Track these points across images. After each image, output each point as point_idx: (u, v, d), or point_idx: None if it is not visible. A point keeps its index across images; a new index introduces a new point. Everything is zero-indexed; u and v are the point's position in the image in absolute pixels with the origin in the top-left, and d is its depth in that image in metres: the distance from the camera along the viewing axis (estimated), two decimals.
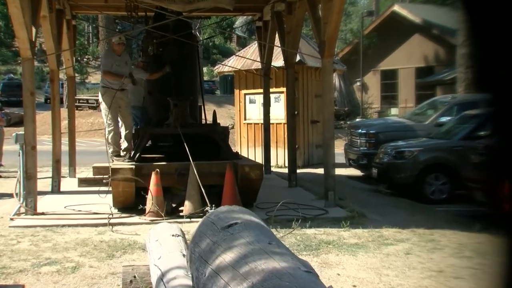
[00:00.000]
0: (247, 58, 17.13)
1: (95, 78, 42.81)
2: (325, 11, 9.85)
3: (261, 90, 15.32)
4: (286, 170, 13.32)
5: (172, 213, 9.14)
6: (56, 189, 11.81)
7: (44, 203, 10.22)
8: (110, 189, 9.33)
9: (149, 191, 8.90)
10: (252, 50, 17.99)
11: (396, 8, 33.50)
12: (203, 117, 12.67)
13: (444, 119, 13.48)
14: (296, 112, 13.78)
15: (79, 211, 9.56)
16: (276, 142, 16.48)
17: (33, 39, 9.36)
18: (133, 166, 9.22)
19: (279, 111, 16.34)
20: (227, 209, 3.95)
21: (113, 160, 10.07)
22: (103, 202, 9.49)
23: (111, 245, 7.36)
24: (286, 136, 14.24)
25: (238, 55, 19.24)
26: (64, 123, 16.08)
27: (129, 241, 7.57)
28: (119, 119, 10.68)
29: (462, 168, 10.70)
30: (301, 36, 13.97)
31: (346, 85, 35.43)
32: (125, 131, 10.71)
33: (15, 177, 11.00)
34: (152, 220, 8.62)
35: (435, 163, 11.57)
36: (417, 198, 11.21)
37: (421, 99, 24.60)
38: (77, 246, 7.34)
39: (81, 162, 15.18)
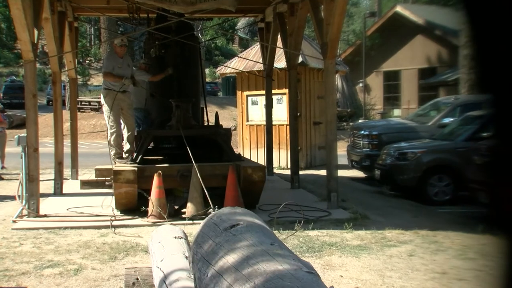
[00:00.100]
0: (249, 59, 17.14)
1: (97, 80, 42.86)
2: (327, 12, 9.84)
3: (263, 92, 15.32)
4: (288, 172, 13.30)
5: (175, 215, 9.14)
6: (58, 191, 11.81)
7: (46, 205, 10.22)
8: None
9: (151, 193, 8.90)
10: (254, 52, 18.00)
11: (399, 9, 33.49)
12: (205, 118, 12.67)
13: (447, 120, 13.46)
14: (298, 114, 13.78)
15: (81, 213, 9.56)
16: (279, 143, 16.47)
17: (35, 41, 9.36)
18: (136, 168, 9.22)
19: (281, 113, 16.34)
20: (230, 210, 3.94)
21: (115, 162, 10.07)
22: (105, 204, 9.49)
23: (113, 247, 7.36)
24: (288, 137, 14.22)
25: (240, 57, 19.25)
26: (66, 125, 16.12)
27: (132, 243, 7.56)
28: (121, 121, 10.68)
29: (466, 170, 10.68)
30: (303, 37, 13.96)
31: (348, 86, 35.42)
32: (128, 133, 10.71)
33: (17, 179, 11.01)
34: (154, 222, 8.62)
35: (438, 164, 11.54)
36: (420, 200, 11.19)
37: (424, 100, 24.57)
38: (80, 248, 7.33)
39: (83, 164, 15.20)
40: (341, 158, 12.02)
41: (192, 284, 3.70)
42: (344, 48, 42.23)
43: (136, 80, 11.03)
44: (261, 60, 15.40)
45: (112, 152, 10.50)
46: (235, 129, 22.13)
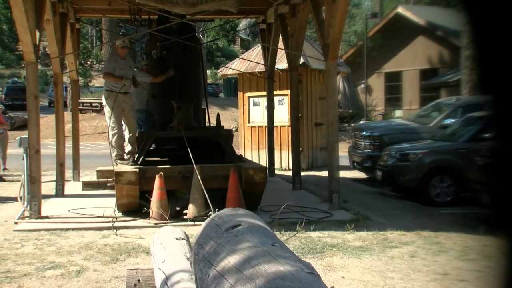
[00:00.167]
0: (250, 60, 17.14)
1: (98, 81, 42.90)
2: (328, 13, 9.83)
3: (265, 93, 15.32)
4: (290, 173, 13.30)
5: (176, 216, 9.13)
6: (60, 193, 11.81)
7: (48, 206, 10.23)
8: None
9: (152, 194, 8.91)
10: (255, 53, 17.99)
11: (400, 10, 33.48)
12: (207, 120, 12.67)
13: (448, 121, 13.45)
14: (300, 115, 13.78)
15: (83, 214, 9.56)
16: (280, 144, 16.47)
17: (37, 43, 9.37)
18: (137, 170, 9.22)
19: (283, 114, 16.35)
20: (231, 211, 3.94)
21: (117, 164, 10.08)
22: (107, 206, 9.49)
23: (115, 249, 7.36)
24: (290, 138, 14.22)
25: (241, 58, 19.25)
26: (68, 127, 16.15)
27: (133, 245, 7.56)
28: (123, 122, 10.69)
29: (467, 171, 10.67)
30: (305, 38, 13.96)
31: (350, 87, 35.42)
32: (129, 134, 10.72)
33: (19, 181, 11.03)
34: (156, 224, 8.62)
35: (439, 165, 11.53)
36: (422, 201, 11.18)
37: (425, 101, 24.58)
38: (81, 250, 7.33)
39: (85, 166, 15.21)
40: (342, 159, 12.03)
41: (194, 286, 3.70)
42: (345, 49, 42.22)
43: (137, 80, 11.04)
44: (262, 61, 15.41)
45: (114, 154, 10.50)
46: (236, 130, 22.13)
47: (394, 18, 33.25)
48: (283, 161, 16.56)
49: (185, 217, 9.05)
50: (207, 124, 12.69)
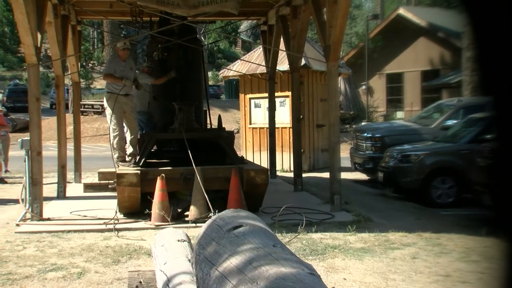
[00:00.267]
0: (252, 62, 17.15)
1: (100, 83, 42.92)
2: (330, 14, 9.84)
3: (266, 95, 15.32)
4: (291, 175, 13.29)
5: (178, 218, 9.13)
6: (61, 195, 11.81)
7: (50, 208, 10.24)
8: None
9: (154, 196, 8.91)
10: (257, 55, 18.00)
11: (401, 11, 33.48)
12: (208, 121, 12.68)
13: (450, 122, 13.44)
14: (301, 116, 13.78)
15: (84, 216, 9.56)
16: (282, 146, 16.48)
17: (39, 45, 9.38)
18: (139, 171, 9.22)
19: (284, 115, 16.35)
20: (233, 213, 3.95)
21: (118, 165, 10.08)
22: (108, 207, 9.49)
23: (116, 251, 7.36)
24: (291, 140, 14.22)
25: (243, 60, 19.27)
26: (70, 129, 16.17)
27: (135, 247, 7.56)
28: (124, 124, 10.69)
29: (469, 172, 10.66)
30: (306, 40, 13.96)
31: (351, 88, 35.42)
32: (131, 136, 10.72)
33: (21, 183, 11.04)
34: (157, 225, 8.62)
35: (441, 166, 11.52)
36: (423, 202, 11.17)
37: (427, 103, 24.56)
38: (83, 252, 7.34)
39: (86, 168, 15.22)
40: (344, 161, 12.02)
41: (195, 287, 3.70)
42: (347, 50, 42.25)
43: (139, 83, 11.05)
44: (264, 63, 15.42)
45: (115, 155, 10.50)
46: (238, 132, 22.14)
47: (395, 20, 33.24)
48: (285, 163, 16.56)
49: (186, 219, 9.05)
50: (208, 126, 12.69)
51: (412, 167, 11.62)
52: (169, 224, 8.40)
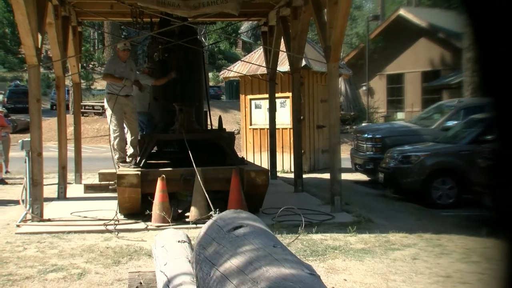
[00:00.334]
0: (252, 63, 17.15)
1: (100, 84, 42.95)
2: (330, 15, 9.84)
3: (266, 95, 15.32)
4: (292, 175, 13.30)
5: (178, 219, 9.13)
6: (62, 196, 11.82)
7: (50, 209, 10.24)
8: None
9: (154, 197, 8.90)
10: (257, 55, 18.01)
11: (402, 12, 33.48)
12: (208, 122, 12.68)
13: (450, 123, 13.44)
14: (301, 117, 13.77)
15: (85, 217, 9.57)
16: (282, 147, 16.48)
17: (39, 46, 9.39)
18: (139, 172, 9.22)
19: (284, 116, 16.35)
20: (233, 213, 3.96)
21: (119, 166, 10.08)
22: (109, 208, 9.49)
23: (117, 251, 7.36)
24: (292, 141, 14.23)
25: (243, 60, 19.27)
26: (70, 130, 16.17)
27: (135, 247, 7.56)
28: (124, 125, 10.69)
29: (469, 173, 10.66)
30: (307, 40, 13.96)
31: (352, 89, 35.42)
32: (131, 137, 10.72)
33: (21, 184, 11.04)
34: (158, 226, 8.62)
35: (441, 167, 11.52)
36: (424, 203, 11.16)
37: (427, 103, 24.55)
38: (83, 253, 7.34)
39: (87, 168, 15.22)
40: (344, 162, 12.02)
41: None
42: (347, 51, 42.24)
43: (142, 85, 11.07)
44: (264, 64, 15.42)
45: (116, 156, 10.50)
46: (238, 132, 22.14)
47: (396, 20, 33.25)
48: (285, 164, 16.56)
49: (187, 219, 9.05)
50: (209, 127, 12.69)
51: (412, 168, 11.62)
52: (170, 225, 8.40)
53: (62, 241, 8.04)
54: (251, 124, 17.68)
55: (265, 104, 16.19)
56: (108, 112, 10.63)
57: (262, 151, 16.94)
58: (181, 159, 9.96)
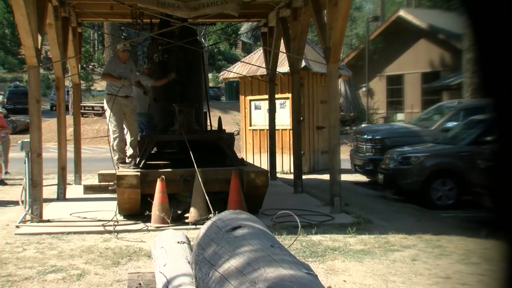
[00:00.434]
0: (252, 64, 17.15)
1: (100, 85, 42.94)
2: (330, 16, 9.84)
3: (266, 96, 15.32)
4: (291, 176, 13.29)
5: (178, 219, 9.13)
6: (61, 196, 11.81)
7: (49, 210, 10.24)
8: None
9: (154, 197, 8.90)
10: (257, 56, 18.01)
11: (402, 13, 33.48)
12: (208, 123, 12.68)
13: (450, 124, 13.44)
14: (301, 118, 13.77)
15: (84, 218, 9.56)
16: (282, 148, 16.48)
17: (39, 47, 9.39)
18: (139, 173, 9.21)
19: (284, 117, 16.35)
20: (232, 214, 3.96)
21: (118, 167, 10.08)
22: (108, 209, 9.49)
23: (116, 252, 7.35)
24: (291, 142, 14.22)
25: (243, 61, 19.28)
26: (70, 130, 16.17)
27: (135, 248, 7.55)
28: (124, 126, 10.69)
29: (469, 174, 10.66)
30: (307, 42, 13.97)
31: (351, 90, 35.42)
32: (131, 138, 10.72)
33: (21, 185, 11.03)
34: (157, 227, 8.61)
35: (441, 168, 11.52)
36: (423, 204, 11.16)
37: (427, 104, 24.54)
38: (83, 253, 7.33)
39: (86, 169, 15.21)
40: (344, 163, 12.02)
41: None
42: (347, 52, 42.27)
43: (145, 89, 11.08)
44: (264, 65, 15.42)
45: (115, 157, 10.50)
46: (238, 133, 22.14)
47: (395, 21, 33.25)
48: (285, 165, 16.56)
49: (186, 220, 9.05)
50: (208, 128, 12.69)
51: (412, 169, 11.62)
52: (169, 226, 8.38)
53: (61, 242, 8.04)
54: (250, 125, 17.68)
55: (265, 105, 16.19)
56: (108, 112, 10.63)
57: (262, 152, 16.94)
58: (180, 160, 9.96)
